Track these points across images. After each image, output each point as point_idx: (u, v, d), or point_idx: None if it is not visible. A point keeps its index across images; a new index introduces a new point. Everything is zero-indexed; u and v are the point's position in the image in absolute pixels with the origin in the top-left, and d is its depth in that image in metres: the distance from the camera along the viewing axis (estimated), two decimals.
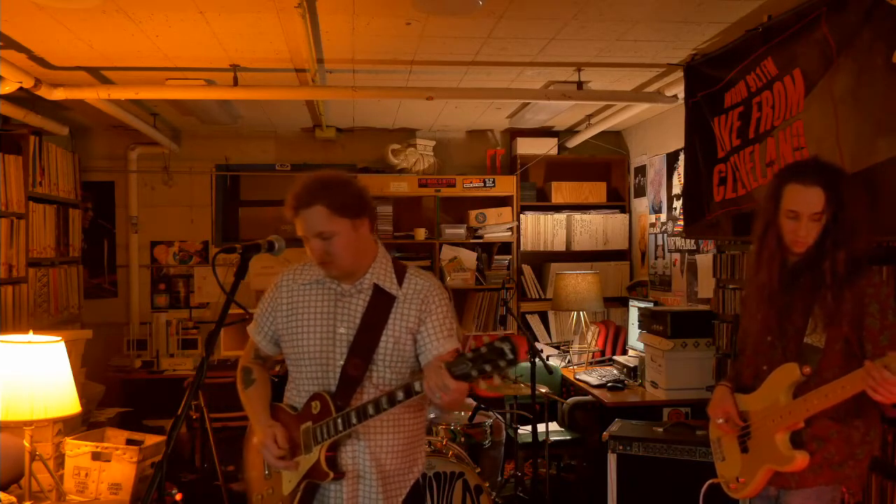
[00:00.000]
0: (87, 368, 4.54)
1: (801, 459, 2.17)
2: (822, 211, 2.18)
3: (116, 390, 5.16)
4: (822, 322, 2.17)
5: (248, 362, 2.31)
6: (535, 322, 5.98)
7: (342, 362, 2.10)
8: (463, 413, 4.36)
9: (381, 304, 2.12)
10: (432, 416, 4.29)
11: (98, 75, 4.19)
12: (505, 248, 5.92)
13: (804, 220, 2.21)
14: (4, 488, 3.18)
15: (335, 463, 2.07)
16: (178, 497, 3.66)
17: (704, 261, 4.66)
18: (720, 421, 2.38)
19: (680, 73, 4.09)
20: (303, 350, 2.16)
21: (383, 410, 2.00)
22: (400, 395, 1.98)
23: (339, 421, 2.05)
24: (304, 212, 2.04)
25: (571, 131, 6.05)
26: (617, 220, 5.98)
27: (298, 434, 2.13)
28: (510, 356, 1.72)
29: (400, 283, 2.16)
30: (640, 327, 4.69)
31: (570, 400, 4.99)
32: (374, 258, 2.17)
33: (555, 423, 5.06)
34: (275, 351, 2.29)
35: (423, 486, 2.28)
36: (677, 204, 5.00)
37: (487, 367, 1.75)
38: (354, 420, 2.03)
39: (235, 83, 4.09)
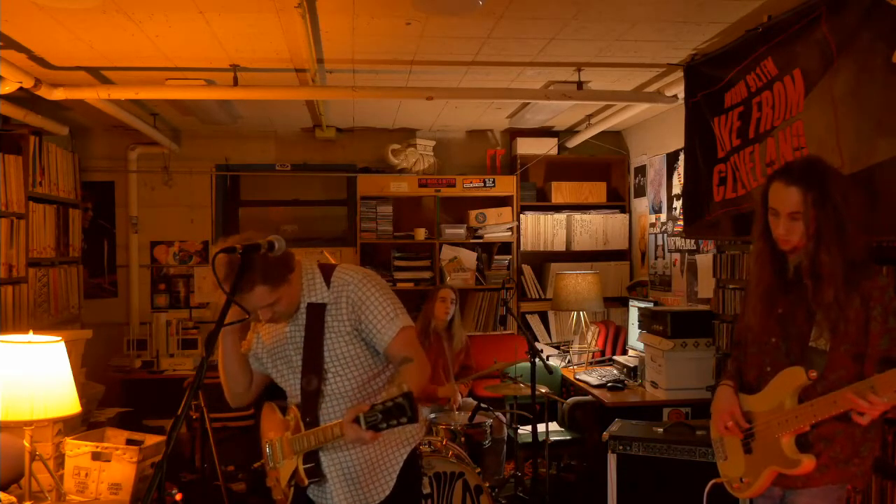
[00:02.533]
0: (87, 368, 4.54)
1: (807, 463, 2.17)
2: (800, 210, 2.17)
3: (116, 390, 5.16)
4: (827, 326, 2.17)
5: None
6: (535, 322, 5.98)
7: (301, 381, 2.27)
8: (463, 413, 4.36)
9: (316, 318, 2.24)
10: (432, 416, 4.30)
11: (98, 75, 4.19)
12: (505, 248, 5.92)
13: (783, 218, 2.22)
14: (4, 488, 3.18)
15: (312, 471, 2.25)
16: (178, 497, 3.66)
17: (704, 261, 4.66)
18: (730, 424, 2.36)
19: (680, 73, 4.09)
20: (274, 374, 2.37)
21: (338, 437, 2.12)
22: (337, 430, 2.11)
23: (312, 439, 2.22)
24: (247, 295, 2.11)
25: (571, 131, 6.05)
26: (617, 220, 5.98)
27: (284, 441, 2.30)
28: (409, 414, 1.92)
29: (328, 285, 2.26)
30: (640, 327, 4.69)
31: (570, 400, 4.99)
32: (301, 281, 2.26)
33: (555, 423, 5.06)
34: (263, 369, 2.42)
35: (417, 459, 2.41)
36: (677, 204, 5.00)
37: (393, 422, 1.94)
38: (314, 443, 2.21)
39: (235, 83, 4.09)
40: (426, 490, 3.52)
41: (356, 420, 1.97)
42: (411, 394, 1.92)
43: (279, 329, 2.32)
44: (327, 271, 2.29)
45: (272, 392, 2.49)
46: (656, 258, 5.43)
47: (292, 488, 2.28)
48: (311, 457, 2.24)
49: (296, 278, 2.23)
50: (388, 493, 2.28)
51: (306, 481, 2.23)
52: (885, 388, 1.97)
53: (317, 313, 2.23)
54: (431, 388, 4.41)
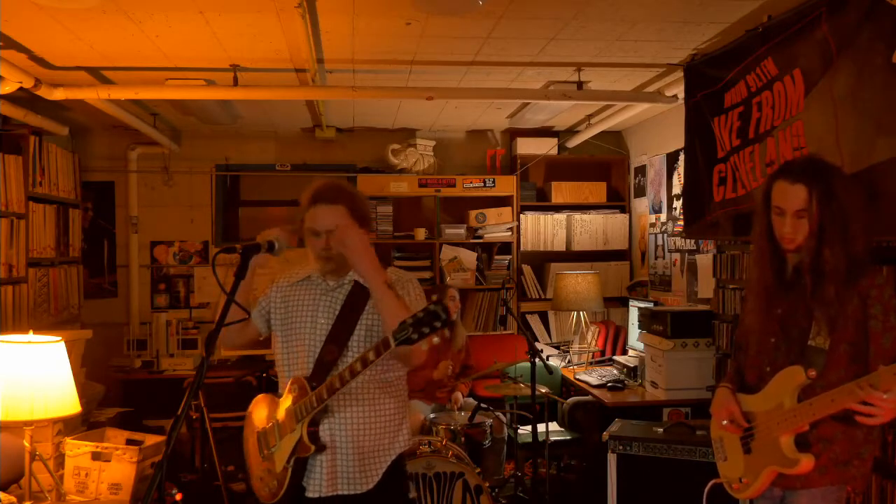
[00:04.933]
0: (87, 368, 4.54)
1: (806, 462, 2.17)
2: (806, 208, 2.17)
3: (116, 390, 5.16)
4: (826, 325, 2.16)
5: None
6: (535, 322, 5.98)
7: (320, 348, 2.30)
8: (463, 413, 4.36)
9: (359, 297, 2.31)
10: (432, 416, 4.30)
11: (98, 75, 4.19)
12: (505, 248, 5.92)
13: (788, 216, 2.21)
14: (4, 488, 3.18)
15: (317, 436, 2.25)
16: (178, 497, 3.66)
17: (704, 261, 4.66)
18: (725, 422, 2.37)
19: (680, 73, 4.09)
20: (289, 339, 2.38)
21: (346, 382, 2.15)
22: (358, 366, 2.12)
23: (314, 398, 2.21)
24: (325, 207, 2.25)
25: (571, 131, 6.05)
26: (617, 220, 5.99)
27: (283, 417, 2.30)
28: (443, 316, 1.95)
29: None
30: (640, 327, 4.69)
31: (570, 400, 4.99)
32: None
33: (555, 423, 5.06)
34: (262, 326, 2.48)
35: (404, 465, 2.45)
36: (677, 204, 5.00)
37: (426, 330, 1.96)
38: (325, 395, 2.19)
39: (235, 83, 4.09)
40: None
41: (383, 344, 2.03)
42: (442, 301, 1.98)
43: (311, 294, 2.36)
44: None
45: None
46: (656, 258, 5.43)
47: (290, 469, 2.26)
48: (314, 422, 2.25)
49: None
50: (371, 486, 2.30)
51: (312, 448, 2.23)
52: (886, 383, 1.96)
53: (362, 295, 2.30)
54: (427, 373, 4.43)
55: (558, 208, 5.95)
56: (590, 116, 5.48)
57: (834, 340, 2.16)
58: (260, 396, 2.47)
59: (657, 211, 5.41)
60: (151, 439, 3.64)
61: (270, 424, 2.35)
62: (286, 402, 2.30)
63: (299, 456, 2.25)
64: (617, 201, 6.04)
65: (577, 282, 5.32)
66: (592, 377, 4.80)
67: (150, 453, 3.52)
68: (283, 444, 2.29)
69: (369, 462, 2.31)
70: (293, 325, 2.37)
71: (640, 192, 5.76)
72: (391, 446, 2.36)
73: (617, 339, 5.58)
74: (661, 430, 3.56)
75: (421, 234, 5.78)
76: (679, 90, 4.18)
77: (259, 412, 2.44)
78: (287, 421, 2.28)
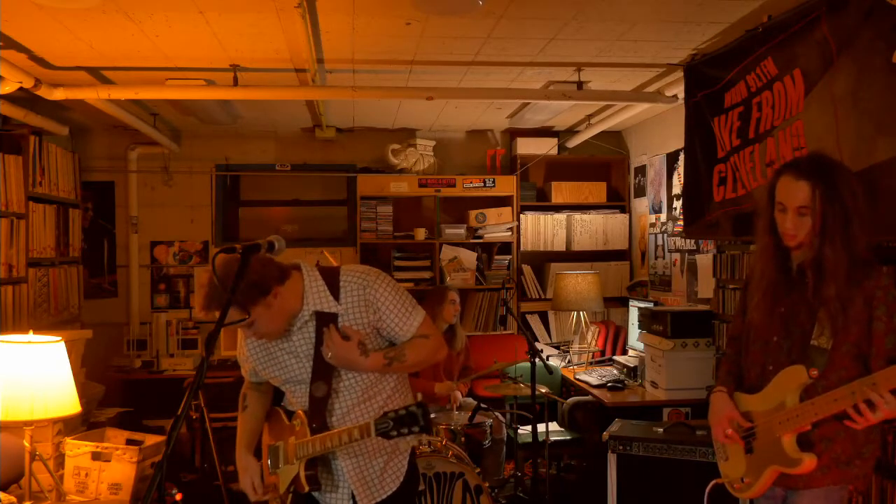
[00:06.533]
0: (87, 368, 4.54)
1: (808, 462, 2.16)
2: (809, 205, 2.16)
3: (116, 390, 5.16)
4: (829, 324, 2.16)
5: (246, 388, 2.49)
6: (535, 322, 5.98)
7: (310, 387, 2.23)
8: (463, 413, 4.36)
9: (326, 326, 2.20)
10: (432, 416, 4.30)
11: (98, 75, 4.19)
12: (505, 248, 5.92)
13: (790, 213, 2.20)
14: (4, 488, 3.18)
15: (312, 479, 2.21)
16: (178, 497, 3.66)
17: (704, 261, 4.66)
18: (729, 432, 2.36)
19: (680, 73, 4.09)
20: (283, 379, 2.31)
21: (346, 444, 2.14)
22: (345, 437, 2.12)
23: (315, 444, 2.19)
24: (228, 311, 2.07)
25: (571, 131, 6.05)
26: (617, 220, 5.99)
27: (288, 445, 2.28)
28: (421, 423, 1.96)
29: (336, 296, 2.20)
30: (640, 327, 4.69)
31: (570, 400, 4.99)
32: (302, 291, 2.19)
33: (555, 423, 5.06)
34: (261, 380, 2.44)
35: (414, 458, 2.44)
36: (677, 204, 5.00)
37: (404, 430, 1.97)
38: (319, 448, 2.18)
39: (235, 83, 4.09)
40: (420, 487, 3.52)
41: (366, 429, 2.03)
42: (425, 404, 1.96)
43: (282, 340, 2.26)
44: (332, 279, 2.22)
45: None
46: (656, 258, 5.43)
47: (291, 494, 2.26)
48: (312, 464, 2.21)
49: (285, 290, 2.14)
50: (399, 483, 2.29)
51: (306, 488, 2.20)
52: (886, 384, 1.96)
53: (327, 322, 2.18)
54: (429, 385, 4.42)
55: (558, 208, 5.96)
56: (590, 116, 5.48)
57: (837, 341, 2.16)
58: (277, 409, 2.44)
59: (657, 211, 5.41)
60: (151, 439, 3.64)
61: (279, 444, 2.33)
62: (291, 433, 2.28)
63: (296, 490, 2.24)
64: (617, 201, 6.04)
65: (577, 282, 5.32)
66: (592, 377, 4.80)
67: (150, 453, 3.52)
68: (285, 471, 2.28)
69: (394, 460, 2.30)
70: (280, 368, 2.28)
71: (640, 192, 5.76)
72: (397, 447, 2.33)
73: (617, 339, 5.58)
74: (661, 430, 3.56)
75: (421, 234, 5.78)
76: (679, 90, 4.18)
77: (273, 424, 2.42)
78: (290, 451, 2.26)
